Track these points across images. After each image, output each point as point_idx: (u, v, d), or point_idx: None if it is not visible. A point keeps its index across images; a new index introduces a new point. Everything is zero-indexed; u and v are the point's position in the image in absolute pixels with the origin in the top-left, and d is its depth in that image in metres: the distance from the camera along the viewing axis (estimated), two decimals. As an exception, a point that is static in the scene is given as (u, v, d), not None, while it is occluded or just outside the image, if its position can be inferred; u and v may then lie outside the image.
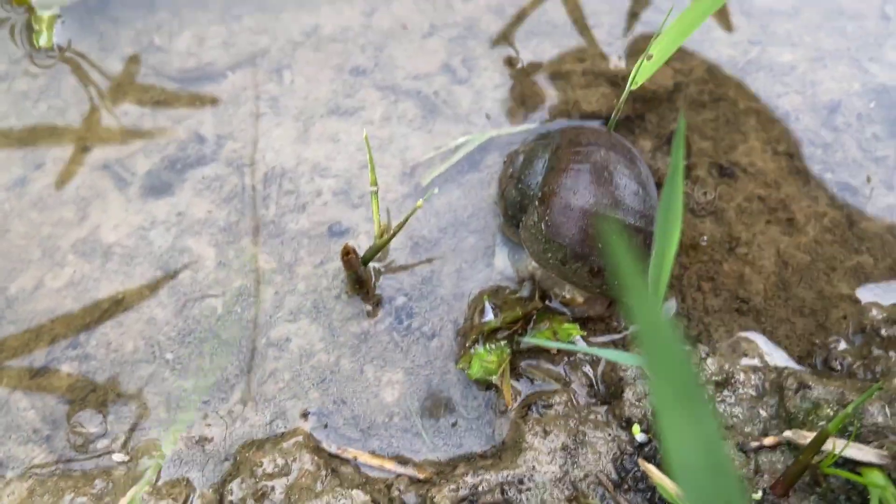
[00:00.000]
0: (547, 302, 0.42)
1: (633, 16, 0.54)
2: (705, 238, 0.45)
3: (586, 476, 0.38)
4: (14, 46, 0.52)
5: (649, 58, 0.42)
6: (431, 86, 0.51)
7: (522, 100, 0.50)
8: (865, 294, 0.43)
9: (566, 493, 0.38)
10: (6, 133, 0.51)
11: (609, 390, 0.40)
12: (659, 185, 0.45)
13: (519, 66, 0.52)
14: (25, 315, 0.46)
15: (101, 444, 0.41)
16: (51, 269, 0.47)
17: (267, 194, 0.47)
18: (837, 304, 0.43)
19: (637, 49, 0.52)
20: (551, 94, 0.50)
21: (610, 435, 0.39)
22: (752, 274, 0.44)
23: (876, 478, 0.34)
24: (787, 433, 0.37)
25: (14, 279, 0.47)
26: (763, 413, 0.39)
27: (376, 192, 0.40)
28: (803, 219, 0.46)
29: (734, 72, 0.51)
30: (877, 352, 0.41)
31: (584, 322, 0.42)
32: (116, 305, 0.45)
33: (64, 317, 0.45)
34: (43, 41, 0.50)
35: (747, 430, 0.39)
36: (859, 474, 0.35)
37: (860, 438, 0.37)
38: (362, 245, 0.46)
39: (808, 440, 0.34)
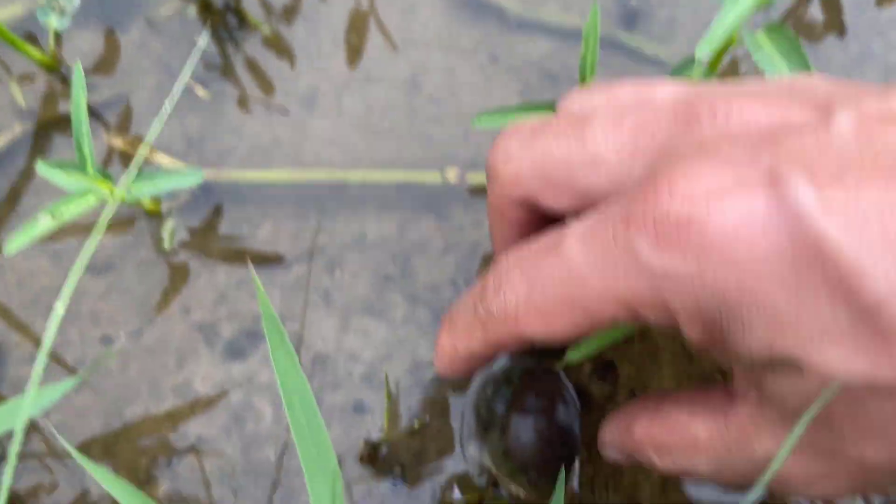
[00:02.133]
0: (498, 489, 0.61)
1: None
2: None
3: None
4: (145, 247, 0.71)
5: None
6: (441, 297, 0.69)
7: (504, 322, 0.69)
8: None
9: None
10: (127, 290, 0.70)
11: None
12: (589, 408, 0.64)
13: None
14: (136, 433, 0.65)
15: (186, 548, 0.61)
16: (154, 404, 0.66)
17: (312, 372, 0.67)
18: None
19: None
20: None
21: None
22: (643, 480, 0.63)
23: None
24: None
25: (130, 406, 0.66)
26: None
27: (388, 408, 0.59)
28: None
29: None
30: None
31: (519, 509, 0.61)
32: (198, 441, 0.65)
33: (163, 441, 0.65)
34: (166, 246, 0.69)
35: None
36: None
37: None
38: (376, 419, 0.65)
39: None
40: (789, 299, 0.25)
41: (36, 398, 0.53)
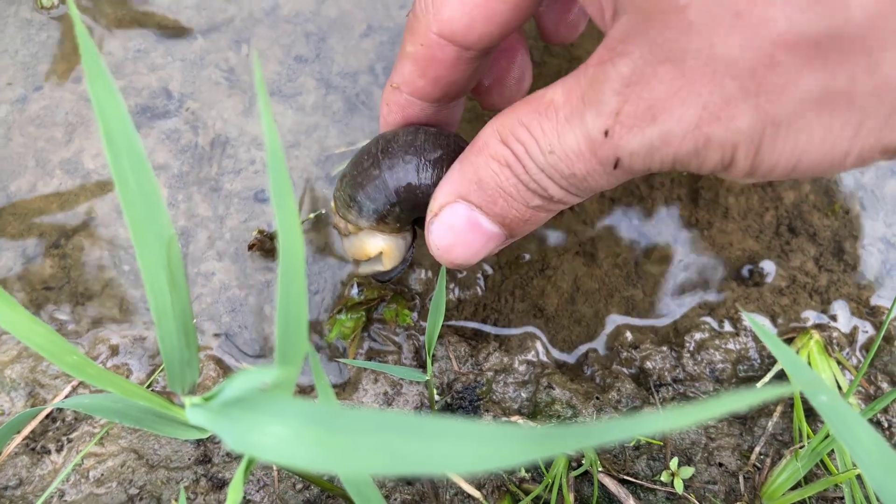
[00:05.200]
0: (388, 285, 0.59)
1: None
2: (526, 257, 0.61)
3: (395, 414, 0.57)
4: (25, 5, 0.63)
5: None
6: (357, 84, 0.64)
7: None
8: (625, 320, 0.61)
9: (378, 424, 0.57)
10: (12, 55, 0.63)
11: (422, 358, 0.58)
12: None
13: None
14: (22, 210, 0.61)
15: (70, 328, 0.59)
16: (42, 178, 0.62)
17: (212, 155, 0.62)
18: (604, 323, 0.61)
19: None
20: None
21: (418, 391, 0.57)
22: (552, 290, 0.61)
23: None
24: (516, 417, 0.56)
25: (14, 180, 0.62)
26: (523, 395, 0.58)
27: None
28: (603, 255, 0.62)
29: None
30: (614, 367, 0.59)
31: (414, 307, 0.59)
32: (90, 219, 0.61)
33: (50, 219, 0.61)
34: (46, 3, 0.61)
35: (507, 405, 0.57)
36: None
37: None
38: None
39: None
40: None
41: None
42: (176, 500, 0.52)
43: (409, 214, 0.46)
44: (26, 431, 0.55)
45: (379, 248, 0.48)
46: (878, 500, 0.46)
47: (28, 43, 0.63)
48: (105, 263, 0.60)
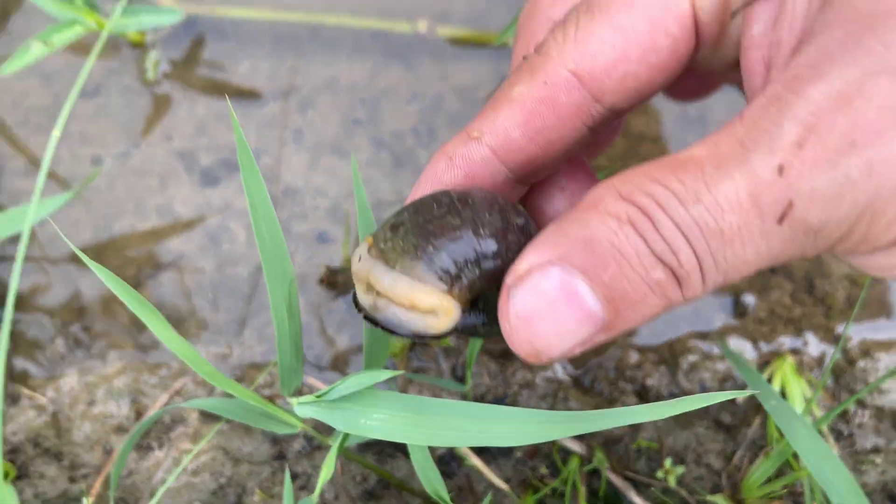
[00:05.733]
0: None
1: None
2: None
3: (436, 421, 0.68)
4: (130, 75, 0.76)
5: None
6: (404, 143, 0.76)
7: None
8: (628, 342, 0.72)
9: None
10: (113, 114, 0.76)
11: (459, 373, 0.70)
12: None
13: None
14: (122, 246, 0.73)
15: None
16: (139, 220, 0.74)
17: (283, 202, 0.74)
18: (610, 345, 0.72)
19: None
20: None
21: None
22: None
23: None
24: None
25: (116, 221, 0.74)
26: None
27: (347, 240, 0.67)
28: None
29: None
30: (620, 384, 0.70)
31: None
32: (179, 256, 0.73)
33: (145, 253, 0.73)
34: (150, 76, 0.73)
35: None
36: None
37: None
38: (338, 249, 0.73)
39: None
40: None
41: (38, 208, 0.60)
42: (258, 488, 0.64)
43: (481, 284, 0.36)
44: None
45: (435, 304, 0.36)
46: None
47: (129, 107, 0.76)
48: (191, 292, 0.72)
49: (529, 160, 0.38)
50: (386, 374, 0.38)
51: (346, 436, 0.46)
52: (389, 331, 0.37)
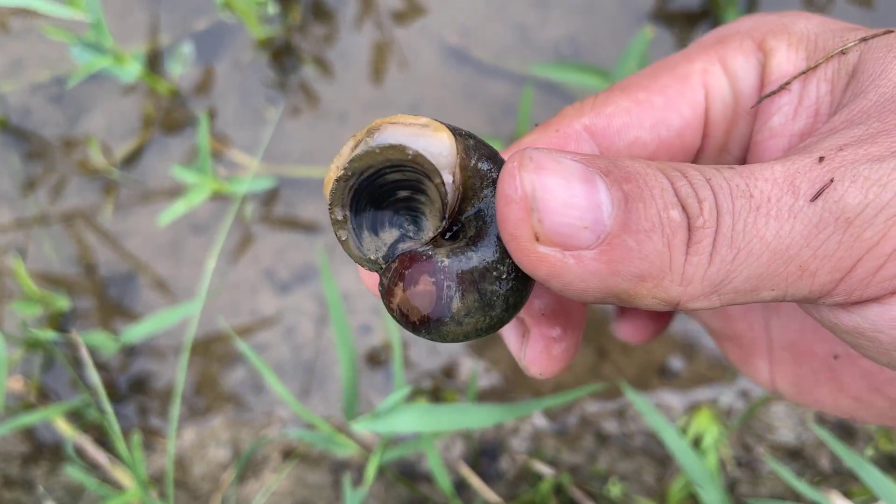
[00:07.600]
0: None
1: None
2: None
3: (450, 458, 0.95)
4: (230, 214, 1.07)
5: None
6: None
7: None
8: (591, 397, 0.98)
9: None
10: (221, 244, 1.07)
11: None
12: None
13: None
14: (225, 336, 1.03)
15: (252, 403, 0.98)
16: (235, 318, 1.03)
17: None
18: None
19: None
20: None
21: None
22: (542, 383, 0.99)
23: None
24: (523, 457, 0.92)
25: (230, 319, 1.03)
26: (525, 445, 0.95)
27: (386, 328, 0.96)
28: (577, 369, 1.01)
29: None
30: (582, 425, 0.96)
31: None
32: (265, 343, 1.02)
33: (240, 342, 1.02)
34: (248, 218, 1.05)
35: (518, 454, 0.95)
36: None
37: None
38: (378, 335, 1.01)
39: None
40: None
41: (182, 310, 0.90)
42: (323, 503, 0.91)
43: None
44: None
45: (425, 122, 0.32)
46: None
47: (229, 238, 1.07)
48: (275, 365, 1.00)
49: None
50: (405, 391, 0.66)
51: (385, 447, 0.73)
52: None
